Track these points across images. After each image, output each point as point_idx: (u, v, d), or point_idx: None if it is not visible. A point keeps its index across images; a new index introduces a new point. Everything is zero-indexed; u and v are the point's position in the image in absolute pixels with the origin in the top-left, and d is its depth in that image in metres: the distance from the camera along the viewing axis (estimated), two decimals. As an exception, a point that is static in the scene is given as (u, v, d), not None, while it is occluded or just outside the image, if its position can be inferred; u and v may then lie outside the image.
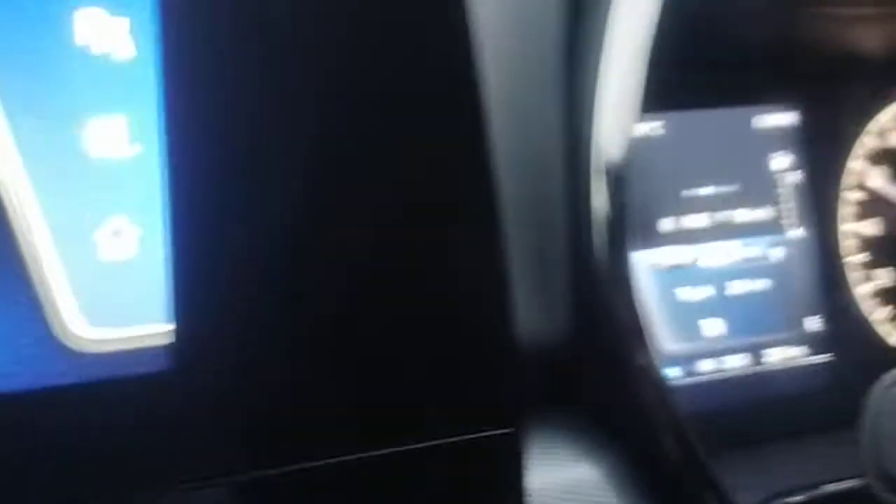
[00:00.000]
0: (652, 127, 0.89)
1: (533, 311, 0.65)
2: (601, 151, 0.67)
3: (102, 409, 0.48)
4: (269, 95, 0.49)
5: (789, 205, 0.93)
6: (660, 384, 0.70)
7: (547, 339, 0.65)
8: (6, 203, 0.49)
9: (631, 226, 0.72)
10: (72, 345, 0.49)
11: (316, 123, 0.49)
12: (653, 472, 0.67)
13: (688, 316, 0.89)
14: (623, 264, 0.67)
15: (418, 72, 0.51)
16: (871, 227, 0.95)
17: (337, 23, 0.50)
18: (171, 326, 0.48)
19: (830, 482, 0.76)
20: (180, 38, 0.49)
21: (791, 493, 0.76)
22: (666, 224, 0.89)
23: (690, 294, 0.89)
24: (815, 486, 0.76)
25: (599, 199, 0.67)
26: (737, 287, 0.91)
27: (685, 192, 0.90)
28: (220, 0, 0.49)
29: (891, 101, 0.96)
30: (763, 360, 0.91)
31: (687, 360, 0.89)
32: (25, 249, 0.49)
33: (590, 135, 0.68)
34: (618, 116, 0.69)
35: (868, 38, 0.94)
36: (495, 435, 0.50)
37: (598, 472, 0.64)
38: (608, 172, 0.68)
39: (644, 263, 0.88)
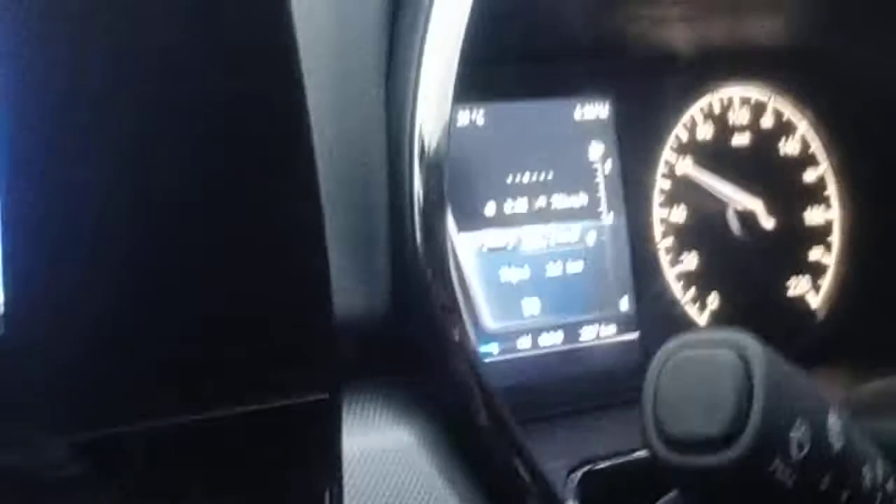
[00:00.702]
0: (474, 116, 0.94)
1: (356, 288, 0.69)
2: (420, 139, 0.72)
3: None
4: (96, 59, 0.51)
5: (604, 192, 0.99)
6: (474, 358, 0.75)
7: (369, 314, 0.70)
8: None
9: (450, 210, 0.76)
10: None
11: (141, 101, 0.52)
12: (466, 440, 0.72)
13: (509, 295, 0.94)
14: (440, 246, 0.72)
15: (239, 66, 0.54)
16: (680, 214, 1.02)
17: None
18: (1, 294, 0.51)
19: (636, 450, 0.82)
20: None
21: (598, 459, 0.82)
22: (489, 209, 0.94)
23: (511, 275, 0.94)
24: (622, 453, 0.82)
25: (417, 185, 0.71)
26: (554, 269, 0.96)
27: (507, 179, 0.95)
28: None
29: (700, 96, 1.03)
30: (578, 337, 0.97)
31: (507, 337, 0.94)
32: None
33: (410, 123, 0.72)
34: (436, 106, 0.74)
35: (680, 37, 1.01)
36: (310, 401, 0.54)
37: (414, 438, 0.69)
38: (426, 159, 0.72)
39: (468, 245, 0.93)
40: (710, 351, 0.53)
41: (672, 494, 0.68)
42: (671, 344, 0.54)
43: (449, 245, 0.73)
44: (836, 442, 0.53)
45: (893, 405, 0.68)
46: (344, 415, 0.61)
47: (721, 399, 0.51)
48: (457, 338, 0.72)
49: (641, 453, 0.81)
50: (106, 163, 0.52)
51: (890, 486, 0.57)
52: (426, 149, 0.72)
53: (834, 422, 0.53)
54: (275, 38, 0.56)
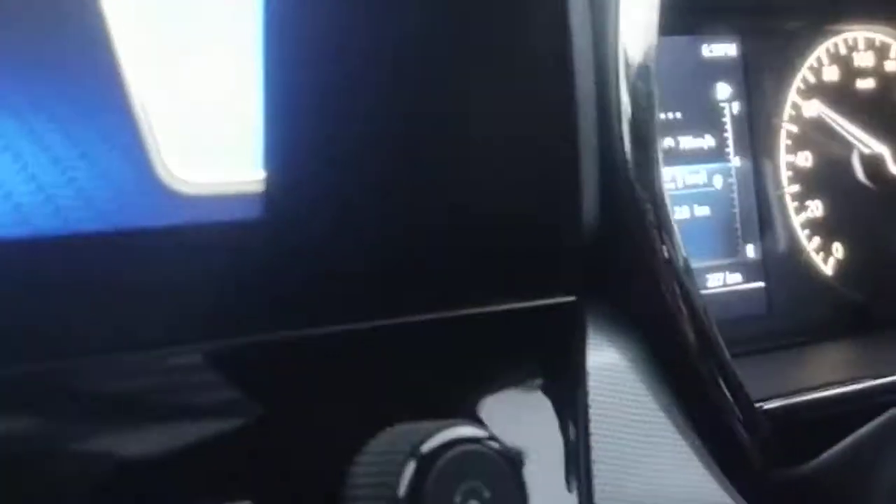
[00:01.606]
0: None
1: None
2: (624, 50, 0.69)
3: (191, 250, 0.46)
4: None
5: (732, 134, 0.96)
6: (684, 275, 0.71)
7: (579, 229, 0.66)
8: (114, 45, 0.47)
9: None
10: (168, 184, 0.47)
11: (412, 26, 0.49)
12: (673, 359, 0.68)
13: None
14: (649, 159, 0.69)
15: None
16: (806, 160, 0.98)
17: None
18: (261, 176, 0.47)
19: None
20: None
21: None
22: (616, 149, 0.90)
23: (638, 218, 0.91)
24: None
25: (623, 95, 0.68)
26: (682, 212, 0.93)
27: (634, 118, 0.92)
28: None
29: (828, 37, 1.00)
30: (704, 283, 0.94)
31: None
32: (130, 88, 0.47)
33: (615, 34, 0.69)
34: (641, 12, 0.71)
35: (809, -25, 0.98)
36: (558, 304, 0.51)
37: (622, 358, 0.65)
38: (631, 72, 0.69)
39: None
40: None
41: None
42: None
43: (659, 159, 0.70)
44: None
45: None
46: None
47: None
48: (666, 255, 0.68)
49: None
50: (368, 55, 0.48)
51: None
52: (630, 57, 0.69)
53: None
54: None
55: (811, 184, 0.99)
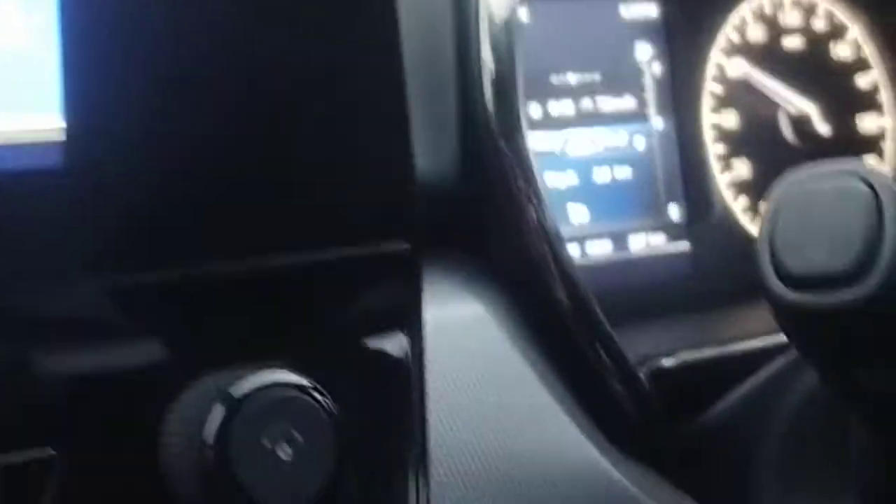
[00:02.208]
0: (519, 13, 0.89)
1: (426, 152, 0.66)
2: (487, 6, 0.68)
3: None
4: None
5: (653, 95, 0.95)
6: (553, 237, 0.71)
7: (440, 182, 0.66)
8: None
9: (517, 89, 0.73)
10: None
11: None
12: (543, 315, 0.68)
13: (555, 201, 0.90)
14: (513, 118, 0.68)
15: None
16: (731, 119, 0.98)
17: None
18: (62, 123, 0.46)
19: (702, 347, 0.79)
20: None
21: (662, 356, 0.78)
22: (534, 111, 0.90)
23: (558, 180, 0.90)
24: (681, 350, 0.79)
25: (486, 55, 0.68)
26: (602, 174, 0.92)
27: (553, 79, 0.91)
28: None
29: (750, -5, 0.99)
30: (626, 246, 0.93)
31: (554, 244, 0.90)
32: None
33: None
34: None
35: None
36: (392, 251, 0.50)
37: (488, 310, 0.65)
38: (494, 29, 0.68)
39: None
40: (835, 181, 0.48)
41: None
42: (788, 177, 0.50)
43: (524, 117, 0.69)
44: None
45: None
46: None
47: (849, 229, 0.47)
48: (535, 216, 0.68)
49: (709, 351, 0.80)
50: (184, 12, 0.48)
51: None
52: (493, 14, 0.68)
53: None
54: None
55: (736, 144, 0.98)
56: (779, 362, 0.67)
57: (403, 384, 0.52)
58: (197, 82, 0.48)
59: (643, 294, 0.93)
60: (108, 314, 0.46)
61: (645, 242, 0.94)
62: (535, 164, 0.77)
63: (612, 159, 0.94)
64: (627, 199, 0.94)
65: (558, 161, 0.91)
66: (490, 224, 0.69)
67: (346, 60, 0.51)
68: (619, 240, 0.93)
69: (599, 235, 0.92)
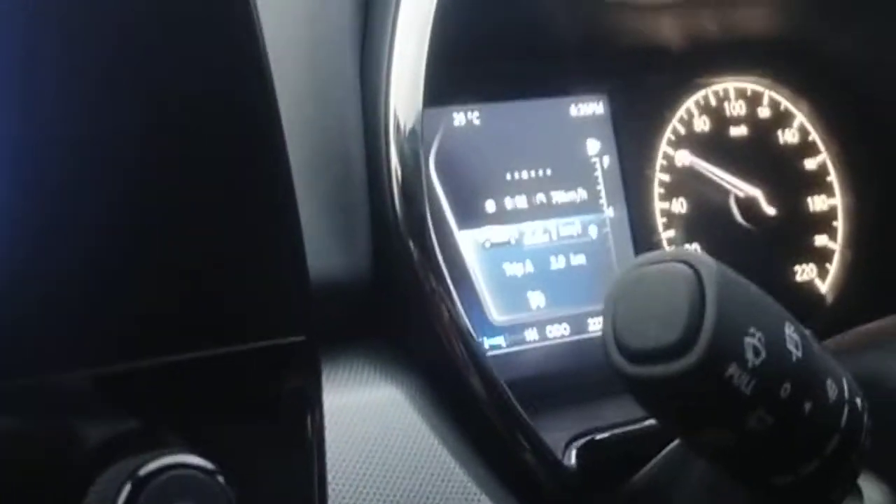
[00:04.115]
0: (471, 117, 0.97)
1: (335, 250, 0.73)
2: (395, 115, 0.76)
3: None
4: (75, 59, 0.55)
5: (604, 186, 1.02)
6: (466, 332, 0.77)
7: (350, 277, 0.73)
8: None
9: (451, 207, 0.80)
10: None
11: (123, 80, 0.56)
12: (460, 403, 0.74)
13: (514, 289, 0.97)
14: (418, 219, 0.75)
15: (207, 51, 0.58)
16: (681, 205, 1.04)
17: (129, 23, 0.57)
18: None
19: (633, 423, 0.84)
20: None
21: (598, 431, 0.84)
22: (490, 206, 0.97)
23: (515, 269, 0.97)
24: (618, 426, 0.84)
25: (393, 157, 0.75)
26: (558, 262, 0.99)
27: (507, 176, 0.98)
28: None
29: (695, 89, 1.06)
30: (585, 329, 0.99)
31: (514, 329, 0.97)
32: None
33: (385, 100, 0.76)
34: (409, 76, 0.77)
35: (671, 30, 1.04)
36: (287, 343, 0.57)
37: (401, 394, 0.71)
38: (401, 135, 0.76)
39: (471, 242, 0.96)
40: (664, 265, 0.55)
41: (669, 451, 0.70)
42: (628, 265, 0.57)
43: (448, 239, 0.76)
44: (795, 350, 0.55)
45: (871, 344, 0.70)
46: (329, 372, 0.63)
47: (675, 308, 0.54)
48: (446, 315, 0.75)
49: (643, 424, 0.85)
50: (81, 137, 0.55)
51: (858, 402, 0.59)
52: (400, 121, 0.76)
53: (792, 332, 0.56)
54: (238, 23, 0.59)
55: (688, 228, 1.05)
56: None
57: (303, 467, 0.58)
58: (89, 188, 0.55)
59: (601, 373, 0.98)
60: (33, 409, 0.54)
61: (600, 325, 1.00)
62: (483, 260, 0.84)
63: (567, 248, 1.00)
64: (583, 285, 1.01)
65: (515, 251, 0.98)
66: (405, 318, 0.76)
67: (232, 157, 0.58)
68: (577, 323, 0.99)
69: (558, 319, 0.99)
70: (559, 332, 0.99)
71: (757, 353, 0.54)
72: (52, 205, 0.54)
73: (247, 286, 0.58)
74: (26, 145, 0.55)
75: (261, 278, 0.58)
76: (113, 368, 0.55)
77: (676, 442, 0.72)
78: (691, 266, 0.55)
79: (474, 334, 0.79)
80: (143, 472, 0.53)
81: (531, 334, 0.98)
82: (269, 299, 0.58)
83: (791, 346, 0.55)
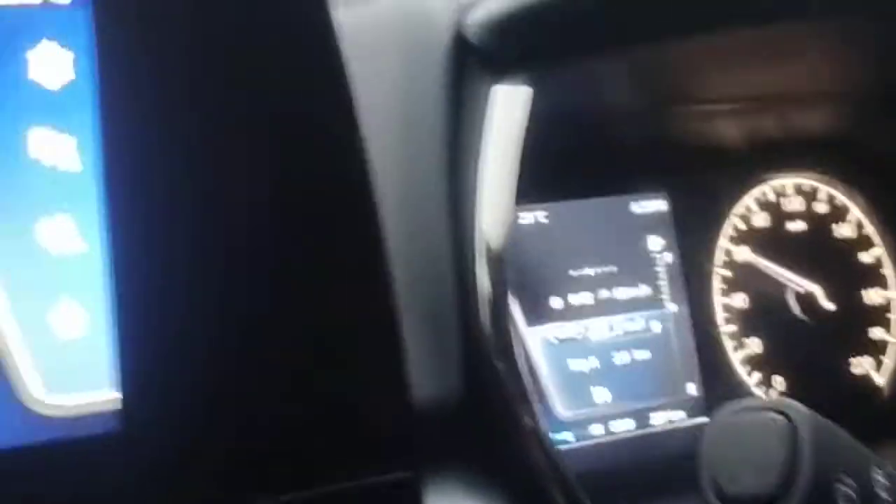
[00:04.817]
0: (538, 215, 1.00)
1: (429, 376, 0.75)
2: (483, 237, 0.78)
3: (59, 467, 0.57)
4: (195, 196, 0.59)
5: (666, 282, 1.04)
6: (547, 443, 0.80)
7: (443, 401, 0.76)
8: None
9: (519, 304, 0.82)
10: (35, 409, 0.58)
11: (237, 227, 0.59)
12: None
13: (579, 384, 1.00)
14: (506, 337, 0.78)
15: (315, 162, 0.61)
16: (741, 300, 1.07)
17: (247, 132, 0.60)
18: (118, 394, 0.57)
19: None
20: (118, 152, 0.59)
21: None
22: (555, 302, 1.00)
23: (580, 364, 1.00)
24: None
25: (483, 281, 0.78)
26: (622, 357, 1.02)
27: (572, 273, 1.01)
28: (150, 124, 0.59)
29: (754, 185, 1.08)
30: (648, 423, 1.02)
31: (579, 424, 0.99)
32: None
33: (472, 222, 0.79)
34: (497, 205, 0.80)
35: (730, 130, 1.07)
36: (394, 479, 0.60)
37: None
38: (490, 255, 0.79)
39: (538, 338, 0.99)
40: (759, 414, 0.58)
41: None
42: (724, 410, 0.60)
43: (515, 335, 0.79)
44: (883, 493, 0.58)
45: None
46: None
47: (771, 458, 0.57)
48: (530, 425, 0.77)
49: None
50: (205, 282, 0.59)
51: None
52: (489, 246, 0.79)
53: (880, 476, 0.58)
54: (346, 145, 0.63)
55: (748, 322, 1.07)
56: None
57: None
58: (228, 356, 0.58)
59: (666, 467, 1.01)
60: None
61: (666, 419, 1.03)
62: (549, 356, 0.87)
63: (630, 343, 1.03)
64: (647, 379, 1.03)
65: (580, 347, 1.01)
66: (490, 436, 0.78)
67: (340, 296, 0.61)
68: (642, 418, 1.02)
69: (623, 414, 1.01)
70: (624, 426, 1.01)
71: (849, 499, 0.56)
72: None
73: (354, 424, 0.61)
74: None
75: (370, 417, 0.61)
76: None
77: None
78: (786, 415, 0.57)
79: (552, 444, 0.82)
80: None
81: (596, 429, 1.01)
82: (378, 436, 0.61)
83: (879, 489, 0.58)
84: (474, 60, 0.86)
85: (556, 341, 1.00)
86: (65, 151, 0.63)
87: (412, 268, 0.77)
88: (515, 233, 0.99)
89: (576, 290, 1.02)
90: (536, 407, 0.82)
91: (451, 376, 0.76)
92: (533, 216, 1.01)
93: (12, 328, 0.60)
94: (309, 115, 0.62)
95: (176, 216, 0.59)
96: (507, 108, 0.84)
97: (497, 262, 0.79)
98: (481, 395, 0.77)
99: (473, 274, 0.77)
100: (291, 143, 0.61)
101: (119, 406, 0.58)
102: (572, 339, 1.01)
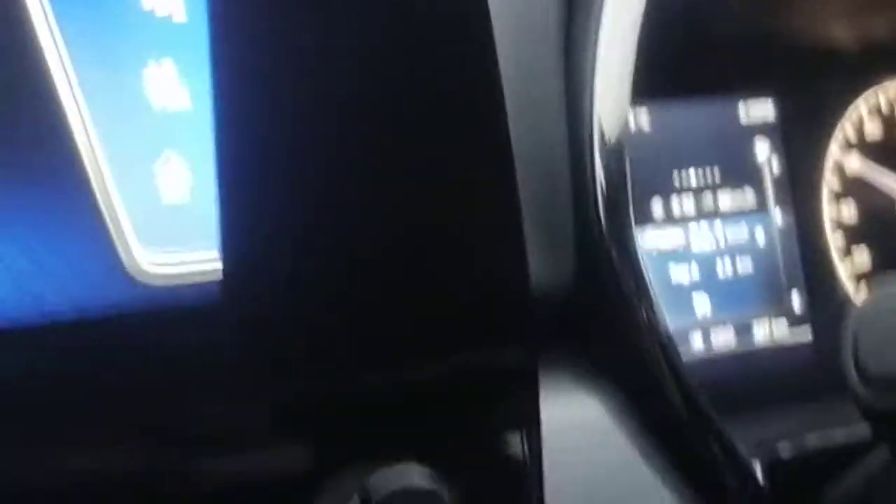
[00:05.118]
0: (640, 117, 0.96)
1: (543, 263, 0.73)
2: (599, 127, 0.75)
3: (158, 336, 0.55)
4: (312, 59, 0.56)
5: (772, 191, 1.00)
6: (664, 337, 0.77)
7: (557, 289, 0.73)
8: (78, 143, 0.56)
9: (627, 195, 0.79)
10: (136, 276, 0.56)
11: (356, 94, 0.56)
12: (658, 413, 0.74)
13: (680, 295, 0.96)
14: (624, 230, 0.75)
15: (447, 63, 0.58)
16: (849, 211, 1.02)
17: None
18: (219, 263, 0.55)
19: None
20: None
21: (781, 438, 0.83)
22: (657, 209, 0.96)
23: (682, 275, 0.96)
24: (805, 433, 0.83)
25: (599, 172, 0.75)
26: (725, 268, 0.98)
27: (674, 180, 0.97)
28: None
29: (865, 91, 1.04)
30: (750, 336, 0.98)
31: (680, 336, 0.95)
32: (96, 186, 0.56)
33: (589, 114, 0.76)
34: (613, 98, 0.77)
35: (842, 33, 1.03)
36: (509, 366, 0.57)
37: (605, 410, 0.71)
38: (606, 148, 0.76)
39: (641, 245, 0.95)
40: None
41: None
42: (875, 291, 0.56)
43: (633, 229, 0.76)
44: None
45: None
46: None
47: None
48: (645, 317, 0.75)
49: (823, 434, 0.84)
50: (322, 143, 0.56)
51: None
52: (606, 138, 0.76)
53: None
54: (474, 36, 0.59)
55: (855, 234, 1.03)
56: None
57: (523, 484, 0.58)
58: (333, 223, 0.55)
59: (766, 383, 0.98)
60: (261, 424, 0.54)
61: (767, 331, 0.99)
62: (650, 264, 0.84)
63: (733, 252, 0.99)
64: (750, 291, 0.99)
65: (682, 256, 0.97)
66: (603, 326, 0.75)
67: (462, 176, 0.58)
68: (743, 329, 0.98)
69: (724, 324, 0.98)
70: (724, 338, 0.98)
71: None
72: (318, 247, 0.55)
73: (472, 299, 0.58)
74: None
75: (486, 292, 0.58)
76: (344, 380, 0.56)
77: (874, 453, 0.71)
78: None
79: (670, 340, 0.79)
80: (375, 494, 0.53)
81: (697, 340, 0.97)
82: (493, 312, 0.58)
83: None
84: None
85: (657, 250, 0.96)
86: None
87: (526, 149, 0.74)
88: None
89: (678, 197, 0.98)
90: (653, 299, 0.79)
91: (565, 266, 0.74)
92: (633, 119, 0.97)
93: (113, 188, 0.57)
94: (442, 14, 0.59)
95: (293, 71, 0.56)
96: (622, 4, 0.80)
97: (614, 152, 0.75)
98: (597, 287, 0.74)
99: (590, 166, 0.74)
100: (419, 36, 0.58)
101: (220, 277, 0.55)
102: (674, 248, 0.97)
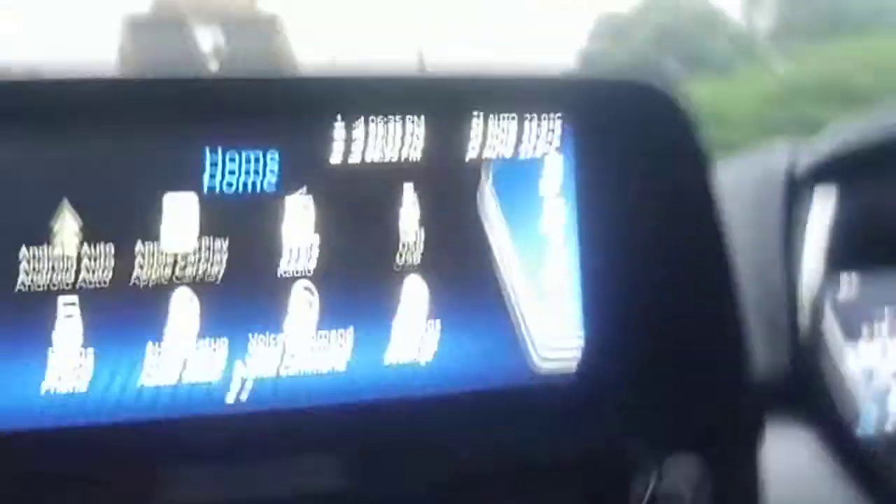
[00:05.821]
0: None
1: (765, 366, 1.06)
2: (804, 292, 1.20)
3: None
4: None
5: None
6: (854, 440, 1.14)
7: (773, 378, 1.10)
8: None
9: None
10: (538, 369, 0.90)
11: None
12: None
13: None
14: (824, 360, 1.16)
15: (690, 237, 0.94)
16: None
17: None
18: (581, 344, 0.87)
19: None
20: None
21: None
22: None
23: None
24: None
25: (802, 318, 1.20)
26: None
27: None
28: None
29: None
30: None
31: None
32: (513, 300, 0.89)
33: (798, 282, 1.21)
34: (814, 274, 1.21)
35: None
36: (737, 451, 0.88)
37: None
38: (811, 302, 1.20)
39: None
40: None
41: None
42: None
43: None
44: None
45: None
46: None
47: None
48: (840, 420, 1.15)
49: None
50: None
51: None
52: (806, 298, 1.20)
53: None
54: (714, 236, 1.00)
55: None
56: None
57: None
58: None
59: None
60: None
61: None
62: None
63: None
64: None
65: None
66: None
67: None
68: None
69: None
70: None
71: None
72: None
73: (710, 401, 0.90)
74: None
75: (726, 392, 0.94)
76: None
77: None
78: None
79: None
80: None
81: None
82: (725, 410, 0.90)
83: None
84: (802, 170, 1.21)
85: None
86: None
87: (763, 304, 1.16)
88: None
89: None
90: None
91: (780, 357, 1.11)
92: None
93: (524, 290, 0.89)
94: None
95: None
96: (824, 205, 1.21)
97: (814, 308, 1.19)
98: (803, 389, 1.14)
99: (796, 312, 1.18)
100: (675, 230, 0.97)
101: (580, 355, 0.86)
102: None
